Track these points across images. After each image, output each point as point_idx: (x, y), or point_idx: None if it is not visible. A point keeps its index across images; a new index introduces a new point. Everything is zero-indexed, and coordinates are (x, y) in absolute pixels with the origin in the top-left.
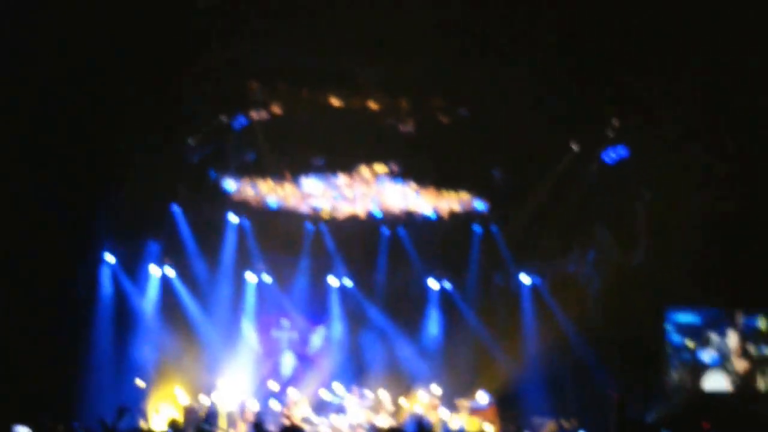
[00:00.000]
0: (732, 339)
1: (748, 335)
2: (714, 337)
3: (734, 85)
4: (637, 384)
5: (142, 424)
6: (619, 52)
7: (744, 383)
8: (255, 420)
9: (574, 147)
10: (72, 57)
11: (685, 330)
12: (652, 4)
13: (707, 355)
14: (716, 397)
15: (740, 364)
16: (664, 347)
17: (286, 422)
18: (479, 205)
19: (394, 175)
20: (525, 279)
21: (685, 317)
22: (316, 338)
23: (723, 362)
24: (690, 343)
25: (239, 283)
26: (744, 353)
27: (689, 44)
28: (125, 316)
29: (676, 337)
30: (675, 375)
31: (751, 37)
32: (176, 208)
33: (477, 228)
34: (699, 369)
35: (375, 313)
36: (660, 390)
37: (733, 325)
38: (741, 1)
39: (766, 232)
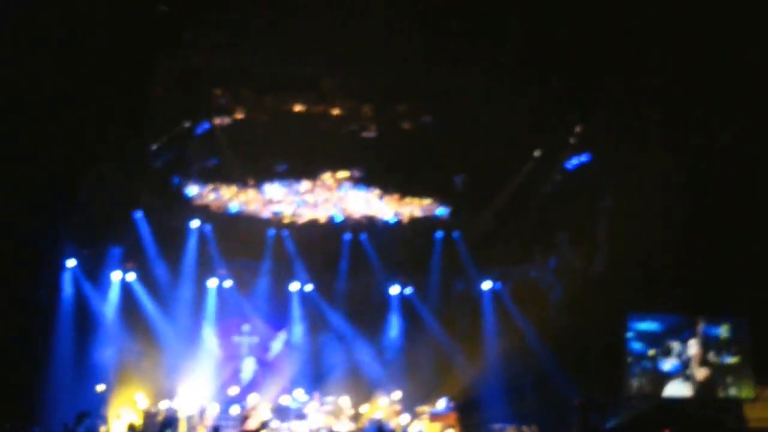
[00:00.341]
0: (693, 347)
1: (710, 343)
2: (675, 345)
3: (695, 94)
4: (598, 391)
5: (102, 428)
6: (581, 61)
7: (704, 390)
8: (214, 424)
9: (536, 154)
10: (33, 63)
11: (646, 338)
12: (616, 11)
13: (668, 364)
14: (676, 403)
15: (700, 372)
16: (625, 354)
17: (246, 426)
18: (441, 211)
19: (356, 182)
20: (486, 285)
21: (646, 325)
22: (277, 343)
23: (683, 370)
24: (651, 351)
25: (200, 288)
26: (704, 361)
27: (652, 53)
28: (87, 320)
29: (637, 345)
30: (636, 382)
31: (714, 47)
32: (138, 214)
33: (438, 234)
34: (660, 377)
35: (336, 319)
36: (621, 396)
37: (694, 333)
38: (704, 10)
39: (726, 240)
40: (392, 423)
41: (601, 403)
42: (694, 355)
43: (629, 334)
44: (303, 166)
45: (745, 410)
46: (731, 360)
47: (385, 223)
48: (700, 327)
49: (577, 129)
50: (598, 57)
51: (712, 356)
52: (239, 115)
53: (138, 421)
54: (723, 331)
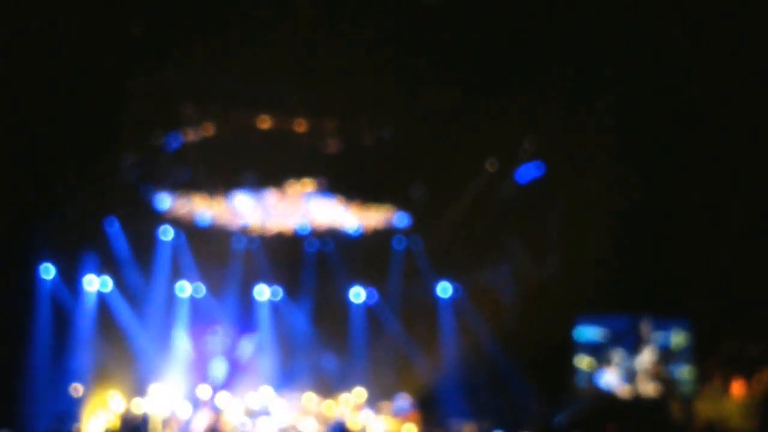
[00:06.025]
0: (645, 357)
1: (661, 354)
2: (616, 355)
3: (648, 103)
4: (549, 390)
5: (77, 429)
6: (535, 73)
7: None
8: (184, 425)
9: (491, 164)
10: (5, 77)
11: (585, 350)
12: (572, 24)
13: (608, 377)
14: (623, 400)
15: (649, 388)
16: (574, 357)
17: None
18: (401, 219)
19: (321, 192)
20: (444, 289)
21: (589, 333)
22: (247, 346)
23: (627, 386)
24: (587, 362)
25: (172, 294)
26: (655, 376)
27: (605, 63)
28: (62, 325)
29: (579, 360)
30: (582, 388)
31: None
32: (112, 223)
33: (399, 241)
34: (599, 394)
35: (302, 322)
36: (569, 395)
37: (640, 340)
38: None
39: (675, 246)
40: (355, 420)
41: (551, 401)
42: (646, 368)
43: (575, 345)
44: (269, 177)
45: (693, 404)
46: (685, 374)
47: (349, 232)
48: (648, 331)
49: (531, 140)
50: (554, 69)
51: (662, 369)
52: (208, 130)
53: (113, 422)
54: (675, 340)
